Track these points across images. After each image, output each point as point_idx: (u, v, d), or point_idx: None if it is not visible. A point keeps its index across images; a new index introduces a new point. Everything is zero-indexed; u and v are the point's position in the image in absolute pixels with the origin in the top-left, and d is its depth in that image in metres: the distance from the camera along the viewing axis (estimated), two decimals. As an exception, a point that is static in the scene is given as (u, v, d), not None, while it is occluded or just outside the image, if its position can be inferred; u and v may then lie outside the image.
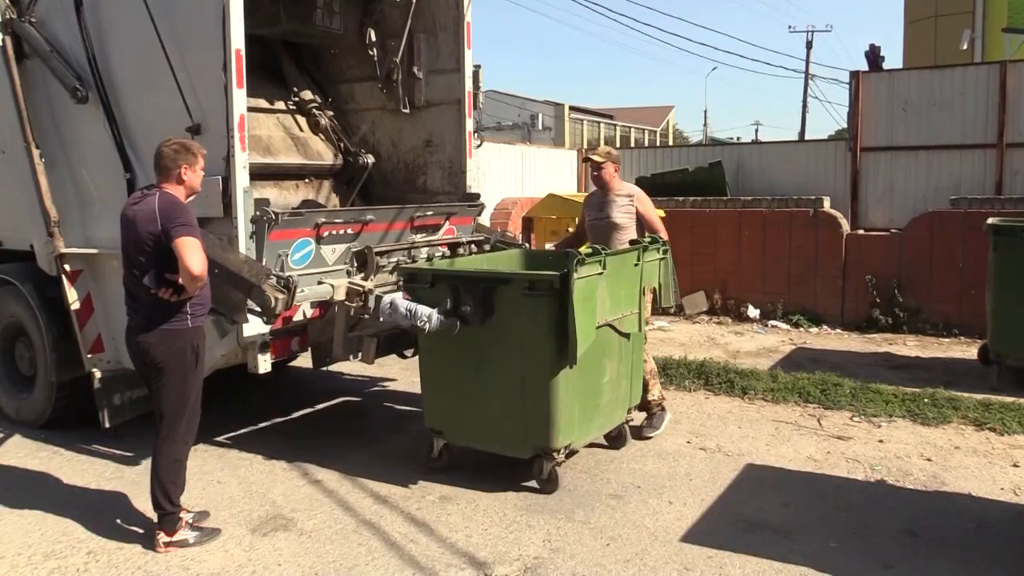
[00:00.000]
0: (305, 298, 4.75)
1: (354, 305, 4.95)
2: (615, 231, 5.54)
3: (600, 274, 4.59)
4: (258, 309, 4.46)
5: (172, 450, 4.08)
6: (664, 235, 5.51)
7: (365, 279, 5.04)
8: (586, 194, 6.35)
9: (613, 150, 5.91)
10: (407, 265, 5.26)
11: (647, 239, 5.33)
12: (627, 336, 5.06)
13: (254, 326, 4.73)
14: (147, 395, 4.33)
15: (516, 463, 4.75)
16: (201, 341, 4.15)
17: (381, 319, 5.19)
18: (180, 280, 3.85)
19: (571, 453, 4.87)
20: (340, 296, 4.91)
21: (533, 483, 4.78)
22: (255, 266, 4.57)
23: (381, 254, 5.16)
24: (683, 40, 43.08)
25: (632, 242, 5.32)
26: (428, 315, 5.32)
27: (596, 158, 5.60)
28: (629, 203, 5.60)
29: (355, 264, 5.19)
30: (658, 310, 9.68)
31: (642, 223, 5.61)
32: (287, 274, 4.61)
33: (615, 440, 5.35)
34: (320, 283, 4.96)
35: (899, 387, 6.56)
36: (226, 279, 4.47)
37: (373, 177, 7.02)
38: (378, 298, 5.03)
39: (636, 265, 5.06)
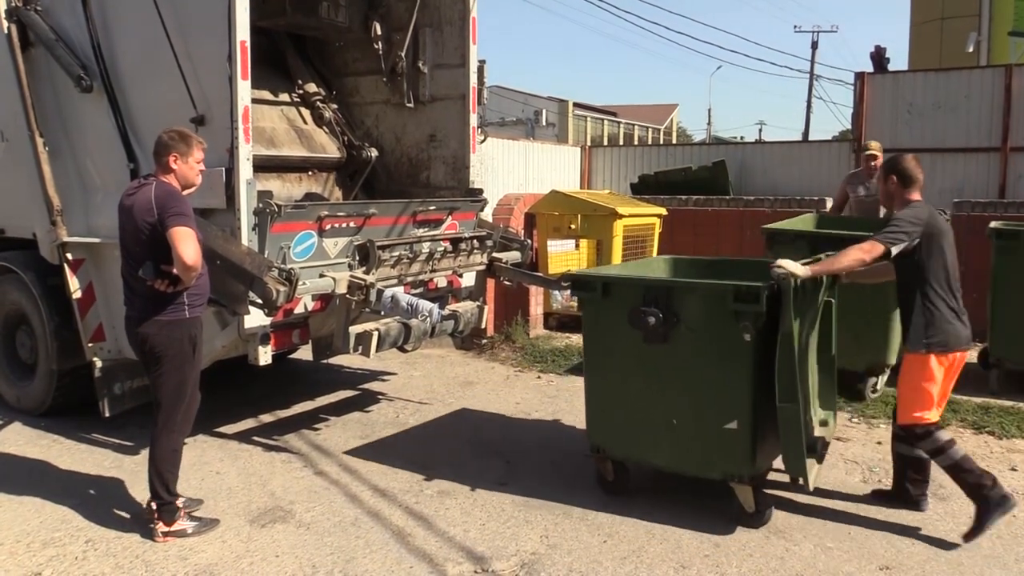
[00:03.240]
0: (306, 291, 4.75)
1: (355, 299, 4.96)
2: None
3: None
4: (259, 301, 4.47)
5: (169, 439, 4.09)
6: None
7: (367, 273, 5.05)
8: (588, 190, 6.50)
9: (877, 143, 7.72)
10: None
11: None
12: None
13: (255, 318, 4.73)
14: (147, 384, 4.34)
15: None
16: (198, 331, 4.15)
17: (382, 313, 5.20)
18: (175, 270, 3.86)
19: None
20: (342, 289, 4.92)
21: (529, 480, 4.79)
22: (257, 258, 4.57)
23: (383, 248, 5.16)
24: (688, 39, 43.46)
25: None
26: (430, 309, 5.35)
27: (878, 152, 7.43)
28: None
29: (357, 257, 5.19)
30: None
31: None
32: (289, 266, 4.61)
33: None
34: (322, 276, 4.96)
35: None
36: (228, 270, 4.47)
37: (376, 171, 7.01)
38: (379, 292, 5.04)
39: None
